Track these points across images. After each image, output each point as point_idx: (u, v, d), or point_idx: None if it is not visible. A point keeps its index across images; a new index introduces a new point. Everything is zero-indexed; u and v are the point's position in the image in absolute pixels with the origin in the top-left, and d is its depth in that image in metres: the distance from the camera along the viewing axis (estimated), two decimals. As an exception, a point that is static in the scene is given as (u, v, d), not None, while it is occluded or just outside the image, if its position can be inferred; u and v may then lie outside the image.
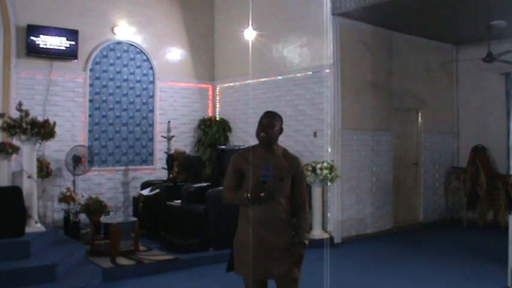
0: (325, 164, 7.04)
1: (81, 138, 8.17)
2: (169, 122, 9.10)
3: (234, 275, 3.29)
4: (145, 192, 7.56)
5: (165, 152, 8.85)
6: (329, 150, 7.40)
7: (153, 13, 9.03)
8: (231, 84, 9.42)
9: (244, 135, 9.08)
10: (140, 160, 8.88)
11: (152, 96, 8.99)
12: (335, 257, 6.33)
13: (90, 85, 8.32)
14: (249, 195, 3.04)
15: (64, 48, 7.89)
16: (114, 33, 8.54)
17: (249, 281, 3.14)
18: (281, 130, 3.23)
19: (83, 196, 7.26)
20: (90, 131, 8.30)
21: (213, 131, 9.27)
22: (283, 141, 3.36)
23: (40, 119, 5.46)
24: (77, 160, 7.58)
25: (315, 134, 7.67)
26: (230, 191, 3.17)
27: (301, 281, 3.24)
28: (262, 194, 3.01)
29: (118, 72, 8.62)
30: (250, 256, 3.08)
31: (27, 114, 5.33)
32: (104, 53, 8.47)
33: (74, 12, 8.10)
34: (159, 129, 9.03)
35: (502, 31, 7.91)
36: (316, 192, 7.21)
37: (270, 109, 3.39)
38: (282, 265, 3.13)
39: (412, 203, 9.04)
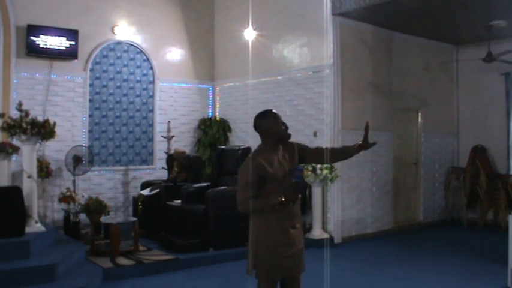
0: (325, 164, 7.04)
1: (81, 138, 8.17)
2: (169, 122, 9.10)
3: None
4: (145, 192, 7.56)
5: (165, 152, 8.85)
6: (329, 150, 7.39)
7: (153, 13, 9.03)
8: (231, 84, 9.42)
9: (244, 135, 9.07)
10: (140, 160, 8.88)
11: (152, 96, 8.99)
12: (335, 257, 6.34)
13: (90, 85, 8.32)
14: (283, 199, 2.98)
15: (64, 48, 7.89)
16: (114, 33, 8.54)
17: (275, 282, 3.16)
18: None
19: (83, 196, 7.26)
20: (90, 131, 8.31)
21: (213, 131, 9.27)
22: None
23: (40, 119, 5.45)
24: (77, 160, 7.58)
25: (315, 134, 7.67)
26: (253, 200, 3.03)
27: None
28: (300, 196, 3.06)
29: (118, 72, 8.62)
30: (282, 257, 3.10)
31: (27, 114, 5.32)
32: (104, 53, 8.47)
33: (74, 12, 8.10)
34: (159, 129, 9.03)
35: (502, 31, 7.91)
36: (316, 192, 7.21)
37: (269, 109, 3.36)
38: (303, 261, 3.24)
39: (412, 203, 9.04)
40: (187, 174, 7.76)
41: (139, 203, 7.40)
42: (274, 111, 3.25)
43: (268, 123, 3.17)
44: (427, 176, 9.20)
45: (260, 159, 3.07)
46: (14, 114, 5.84)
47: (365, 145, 3.19)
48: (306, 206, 7.43)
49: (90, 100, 8.31)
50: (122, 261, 5.76)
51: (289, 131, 3.21)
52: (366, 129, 3.20)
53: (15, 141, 5.88)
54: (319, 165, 7.00)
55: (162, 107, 9.10)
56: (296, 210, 3.18)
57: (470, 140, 9.25)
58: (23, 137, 5.31)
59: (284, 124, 3.19)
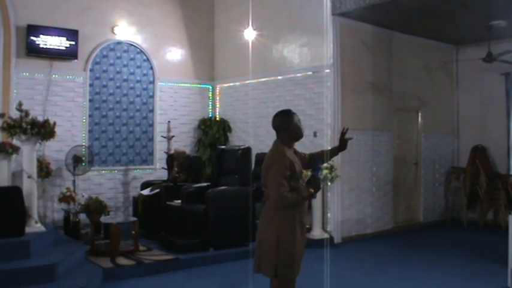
0: (325, 164, 7.04)
1: (81, 138, 8.17)
2: (169, 122, 9.10)
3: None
4: (145, 192, 7.56)
5: (165, 152, 8.85)
6: (329, 150, 7.39)
7: (153, 13, 9.04)
8: (231, 84, 9.42)
9: (244, 135, 9.07)
10: (140, 160, 8.88)
11: (152, 96, 8.99)
12: (335, 257, 6.34)
13: (90, 85, 8.32)
14: (312, 190, 3.15)
15: (64, 48, 7.90)
16: (114, 33, 8.54)
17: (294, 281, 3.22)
18: None
19: (83, 196, 7.26)
20: (90, 131, 8.31)
21: (213, 131, 9.27)
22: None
23: (40, 119, 5.46)
24: (77, 160, 7.58)
25: (315, 134, 7.67)
26: (290, 193, 3.08)
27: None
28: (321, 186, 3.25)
29: (118, 72, 8.62)
30: (299, 254, 3.20)
31: (27, 114, 5.32)
32: (104, 53, 8.48)
33: (74, 12, 8.10)
34: (159, 129, 9.03)
35: (502, 31, 7.91)
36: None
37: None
38: None
39: (412, 203, 9.04)
40: (187, 174, 7.76)
41: (139, 203, 7.40)
42: (293, 111, 3.36)
43: (291, 121, 3.26)
44: (427, 176, 9.20)
45: (288, 155, 3.16)
46: (14, 114, 5.84)
47: (344, 146, 3.41)
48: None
49: (90, 100, 8.31)
50: (122, 261, 5.76)
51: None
52: (344, 133, 3.41)
53: (15, 141, 5.88)
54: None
55: (162, 107, 9.10)
56: (306, 209, 3.33)
57: (470, 140, 9.25)
58: (23, 137, 5.31)
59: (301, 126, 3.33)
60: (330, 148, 3.62)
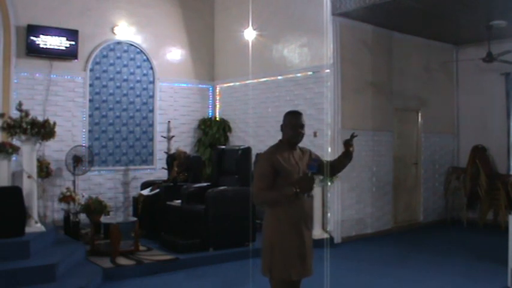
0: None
1: (81, 138, 8.18)
2: (169, 122, 9.10)
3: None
4: (145, 192, 7.56)
5: (165, 152, 8.85)
6: (329, 150, 7.40)
7: (153, 13, 9.04)
8: (231, 84, 9.42)
9: (244, 135, 9.07)
10: (140, 160, 8.88)
11: (152, 96, 8.99)
12: (335, 257, 6.33)
13: (90, 85, 8.32)
14: (298, 189, 3.00)
15: (64, 48, 7.90)
16: (114, 33, 8.54)
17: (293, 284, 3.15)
18: None
19: (83, 196, 7.27)
20: (90, 131, 8.31)
21: (213, 131, 9.27)
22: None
23: (40, 119, 5.46)
24: (77, 160, 7.58)
25: (315, 134, 7.67)
26: (269, 191, 3.06)
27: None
28: (314, 185, 3.12)
29: (118, 72, 8.62)
30: (296, 256, 3.09)
31: (27, 114, 5.33)
32: (104, 53, 8.48)
33: (74, 12, 8.11)
34: (159, 129, 9.03)
35: (502, 31, 7.91)
36: (316, 192, 7.20)
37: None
38: (312, 261, 3.20)
39: (412, 203, 9.04)
40: (187, 174, 7.75)
41: (139, 203, 7.40)
42: (297, 114, 3.24)
43: (286, 123, 3.23)
44: (427, 176, 9.20)
45: (276, 154, 3.13)
46: (14, 114, 5.84)
47: (351, 153, 3.43)
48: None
49: (90, 100, 8.31)
50: (122, 261, 5.76)
51: (297, 136, 3.23)
52: (352, 139, 3.38)
53: (15, 141, 5.88)
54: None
55: (162, 107, 9.10)
56: (310, 211, 3.23)
57: (470, 140, 9.25)
58: (23, 137, 5.32)
59: (301, 127, 3.20)
60: (337, 157, 3.53)
